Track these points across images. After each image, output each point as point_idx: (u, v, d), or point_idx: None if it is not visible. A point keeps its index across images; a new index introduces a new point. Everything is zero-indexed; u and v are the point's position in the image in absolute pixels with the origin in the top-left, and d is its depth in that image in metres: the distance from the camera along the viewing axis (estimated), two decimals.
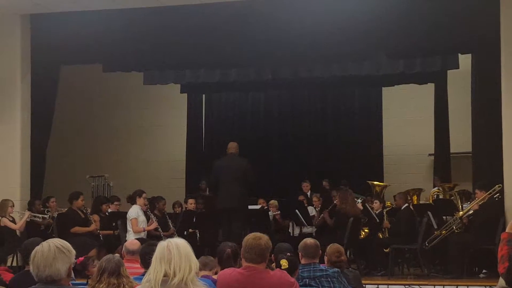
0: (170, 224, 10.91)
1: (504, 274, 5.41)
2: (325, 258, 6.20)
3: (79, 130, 15.64)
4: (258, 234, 4.85)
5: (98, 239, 10.50)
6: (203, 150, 15.93)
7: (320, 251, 5.90)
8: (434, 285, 9.20)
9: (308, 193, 13.22)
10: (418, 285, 9.24)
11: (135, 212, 10.29)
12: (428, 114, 14.12)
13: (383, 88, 14.83)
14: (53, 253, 3.55)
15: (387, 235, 11.05)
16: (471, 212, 9.85)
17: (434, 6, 10.43)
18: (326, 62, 11.34)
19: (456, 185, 12.18)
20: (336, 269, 5.78)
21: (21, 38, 11.33)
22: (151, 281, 3.39)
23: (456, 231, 9.97)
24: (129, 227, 10.25)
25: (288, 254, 5.78)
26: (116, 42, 11.28)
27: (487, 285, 8.74)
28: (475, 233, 9.72)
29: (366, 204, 11.28)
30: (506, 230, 5.25)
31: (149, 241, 6.36)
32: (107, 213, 11.34)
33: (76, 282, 6.08)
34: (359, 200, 11.41)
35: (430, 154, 14.44)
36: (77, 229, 10.42)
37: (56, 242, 3.64)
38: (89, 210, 10.88)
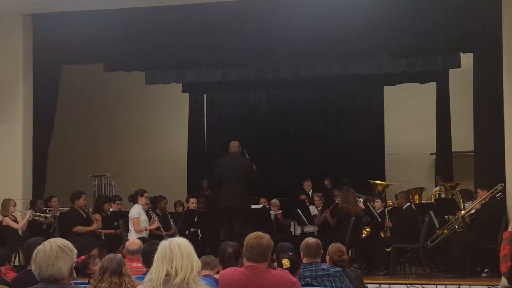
0: (172, 223, 10.92)
1: (506, 273, 5.41)
2: (327, 258, 6.19)
3: (81, 129, 15.65)
4: (259, 233, 4.85)
5: (100, 239, 10.51)
6: (205, 150, 15.94)
7: (322, 250, 5.89)
8: (436, 285, 9.19)
9: (310, 192, 13.21)
10: (420, 284, 9.23)
11: (136, 211, 10.31)
12: (430, 113, 14.12)
13: (384, 87, 14.82)
14: (55, 252, 3.55)
15: (389, 234, 11.06)
16: (473, 211, 9.85)
17: (435, 5, 10.43)
18: (327, 61, 11.33)
19: (458, 184, 12.17)
20: (338, 269, 5.78)
21: (22, 38, 11.34)
22: (153, 281, 3.39)
23: (458, 230, 9.96)
24: (130, 227, 10.26)
25: (290, 253, 5.78)
26: (117, 42, 11.29)
27: (489, 285, 8.74)
28: (477, 232, 9.72)
29: (368, 203, 11.27)
30: (508, 230, 5.25)
31: (151, 241, 6.35)
32: (108, 213, 11.34)
33: (78, 281, 6.08)
34: (361, 199, 11.41)
35: (432, 153, 14.44)
36: (79, 228, 10.43)
37: (57, 241, 3.64)
38: (91, 210, 10.89)
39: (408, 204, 11.01)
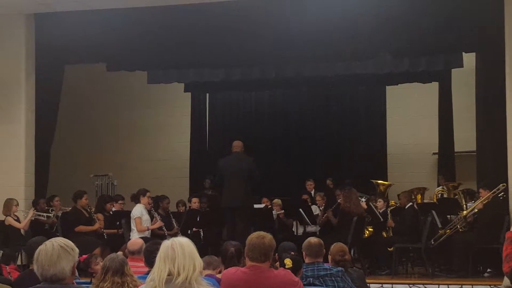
0: (174, 223, 10.92)
1: (509, 273, 5.41)
2: (329, 257, 6.19)
3: (83, 129, 15.67)
4: (262, 233, 4.85)
5: (102, 238, 10.52)
6: (207, 149, 15.95)
7: (324, 250, 5.89)
8: (439, 284, 9.18)
9: (312, 192, 13.21)
10: (422, 284, 9.22)
11: (139, 211, 10.31)
12: (432, 113, 14.12)
13: (387, 87, 14.83)
14: (57, 252, 3.55)
15: (391, 234, 11.04)
16: (475, 211, 9.84)
17: (438, 5, 10.42)
18: (329, 61, 11.34)
19: (460, 184, 12.17)
20: (340, 268, 5.77)
21: (25, 37, 11.35)
22: (155, 280, 3.39)
23: (460, 230, 9.95)
24: (133, 226, 10.26)
25: (292, 253, 5.78)
26: (120, 42, 11.29)
27: (492, 285, 8.72)
28: (479, 232, 9.71)
29: (370, 203, 11.27)
30: (511, 229, 5.25)
31: (153, 240, 6.35)
32: (111, 212, 11.34)
33: (80, 281, 6.09)
34: (363, 199, 11.40)
35: (434, 153, 14.44)
36: (81, 228, 10.43)
37: (59, 241, 3.64)
38: (93, 209, 10.90)
39: (410, 204, 11.00)
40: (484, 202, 9.76)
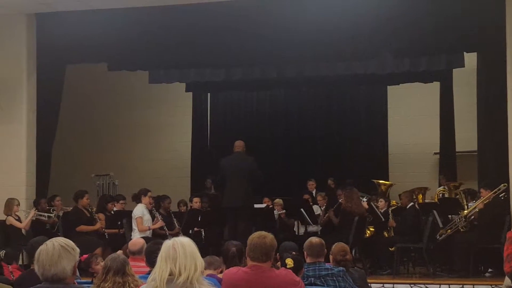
0: (176, 223, 10.92)
1: (510, 273, 5.41)
2: (331, 257, 6.19)
3: (85, 129, 15.67)
4: (263, 233, 4.85)
5: (103, 238, 10.52)
6: (208, 149, 15.94)
7: (326, 250, 5.89)
8: (440, 284, 9.18)
9: (313, 192, 13.21)
10: (424, 284, 9.22)
11: (140, 211, 10.31)
12: (434, 113, 14.11)
13: (388, 86, 14.82)
14: (57, 251, 3.55)
15: (392, 234, 11.04)
16: (476, 210, 9.84)
17: (439, 5, 10.42)
18: (331, 61, 11.34)
19: (462, 184, 12.16)
20: (341, 268, 5.77)
21: (26, 37, 11.34)
22: (156, 280, 3.39)
23: (461, 230, 9.95)
24: (134, 226, 10.27)
25: (293, 253, 5.79)
26: (122, 41, 11.29)
27: (493, 284, 8.72)
28: (481, 232, 9.71)
29: (372, 203, 11.27)
30: None
31: (155, 240, 6.36)
32: (112, 212, 11.35)
33: (82, 281, 6.09)
34: (364, 199, 11.39)
35: (435, 153, 14.43)
36: (82, 227, 10.43)
37: (60, 240, 3.64)
38: (94, 209, 10.90)
39: (412, 203, 11.00)
40: (485, 202, 9.76)
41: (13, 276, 7.13)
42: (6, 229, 10.45)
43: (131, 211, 10.52)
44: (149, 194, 10.52)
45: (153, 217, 10.44)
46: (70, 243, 3.66)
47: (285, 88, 15.33)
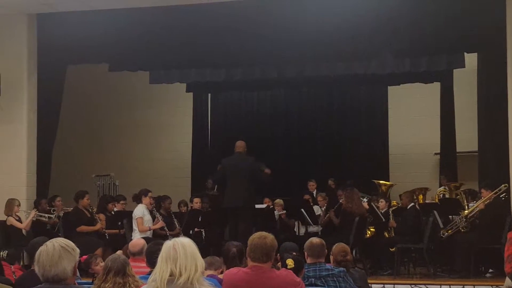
0: (176, 223, 10.92)
1: (510, 273, 5.41)
2: (331, 258, 6.19)
3: (85, 129, 15.68)
4: (263, 233, 4.85)
5: (104, 238, 10.53)
6: (209, 149, 15.94)
7: (326, 250, 5.89)
8: (440, 285, 9.18)
9: (314, 192, 13.21)
10: (424, 284, 9.22)
11: (140, 211, 10.31)
12: (434, 113, 14.10)
13: (389, 87, 14.81)
14: (58, 252, 3.55)
15: (393, 234, 11.04)
16: (477, 210, 9.83)
17: (439, 5, 10.42)
18: (331, 61, 11.34)
19: (462, 184, 12.17)
20: (342, 269, 5.77)
21: (27, 37, 11.35)
22: (157, 281, 3.39)
23: (462, 230, 9.95)
24: (134, 226, 10.26)
25: (294, 253, 5.79)
26: (122, 42, 11.30)
27: (494, 285, 8.72)
28: (481, 232, 9.70)
29: (372, 203, 11.27)
30: None
31: (155, 241, 6.35)
32: (113, 212, 11.36)
33: (82, 281, 6.09)
34: (365, 199, 11.39)
35: (436, 153, 14.43)
36: (83, 228, 10.44)
37: (60, 241, 3.64)
38: (95, 209, 10.90)
39: (412, 204, 11.00)
40: (486, 202, 9.75)
41: (15, 276, 7.13)
42: (7, 230, 10.46)
43: (132, 212, 10.52)
44: (149, 194, 10.51)
45: (153, 218, 10.44)
46: (70, 243, 3.66)
47: (285, 88, 15.33)
